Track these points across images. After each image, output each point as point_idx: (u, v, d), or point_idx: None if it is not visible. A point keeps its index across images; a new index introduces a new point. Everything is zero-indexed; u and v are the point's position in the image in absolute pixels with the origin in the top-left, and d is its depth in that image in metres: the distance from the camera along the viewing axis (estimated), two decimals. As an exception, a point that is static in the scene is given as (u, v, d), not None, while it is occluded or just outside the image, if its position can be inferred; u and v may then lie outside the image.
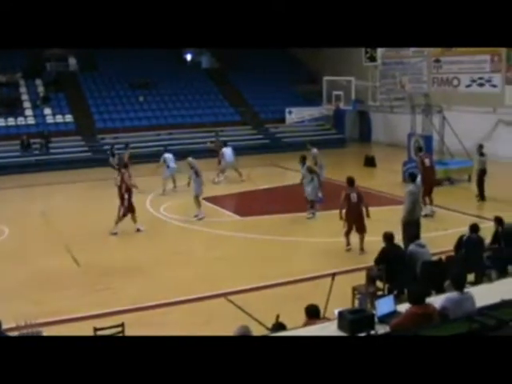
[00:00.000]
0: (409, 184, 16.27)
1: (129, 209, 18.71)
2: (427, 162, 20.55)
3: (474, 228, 12.65)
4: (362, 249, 16.06)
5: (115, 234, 18.67)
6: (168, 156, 25.26)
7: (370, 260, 12.41)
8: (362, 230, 16.14)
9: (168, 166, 24.91)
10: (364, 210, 16.18)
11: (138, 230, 18.78)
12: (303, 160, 20.52)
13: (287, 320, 9.02)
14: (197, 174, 20.08)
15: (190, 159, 20.63)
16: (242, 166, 27.68)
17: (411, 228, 14.83)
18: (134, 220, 18.83)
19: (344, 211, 16.08)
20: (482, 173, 21.75)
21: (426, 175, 19.68)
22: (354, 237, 16.31)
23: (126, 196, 18.65)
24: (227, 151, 26.80)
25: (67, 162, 32.76)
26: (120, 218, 18.77)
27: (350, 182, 16.50)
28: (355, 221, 16.11)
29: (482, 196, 21.52)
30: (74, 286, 14.27)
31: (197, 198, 20.04)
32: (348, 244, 16.29)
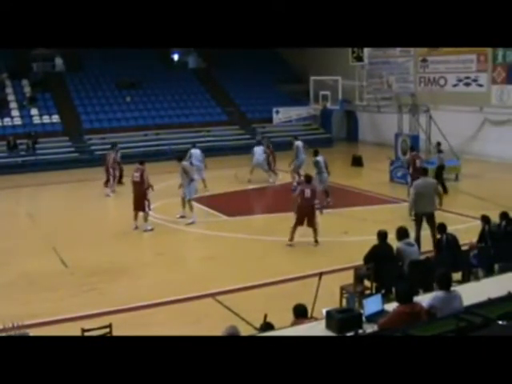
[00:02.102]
0: (420, 177, 16.51)
1: (142, 206, 18.89)
2: (418, 162, 20.78)
3: (443, 228, 12.85)
4: (316, 241, 16.71)
5: (151, 229, 18.85)
6: (194, 152, 24.39)
7: (357, 259, 12.43)
8: (312, 225, 16.72)
9: (191, 163, 22.76)
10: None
11: (136, 228, 18.95)
12: (315, 154, 21.95)
13: (275, 319, 9.02)
14: (191, 179, 19.89)
15: (184, 163, 20.36)
16: (230, 165, 27.73)
17: (421, 221, 15.44)
18: (136, 218, 18.99)
19: (297, 206, 16.70)
20: (441, 168, 22.98)
21: (415, 176, 19.79)
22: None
23: (148, 192, 18.94)
24: (257, 150, 26.69)
25: (54, 163, 32.61)
26: (146, 213, 18.92)
27: (307, 178, 17.37)
28: (306, 215, 16.62)
29: (444, 190, 21.94)
30: (61, 287, 14.21)
31: (189, 201, 19.80)
32: (291, 239, 16.68)
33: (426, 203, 15.53)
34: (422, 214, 15.40)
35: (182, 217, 19.92)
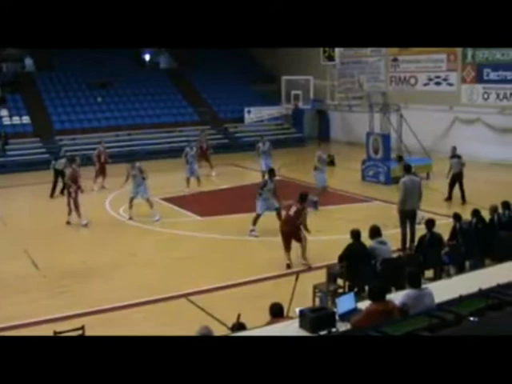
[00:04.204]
0: (404, 175, 16.29)
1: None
2: None
3: (431, 224, 12.94)
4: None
5: (85, 225, 19.51)
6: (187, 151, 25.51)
7: (330, 258, 12.47)
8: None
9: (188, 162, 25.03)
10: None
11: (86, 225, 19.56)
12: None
13: (249, 319, 9.00)
14: (144, 178, 20.20)
15: (138, 164, 20.57)
16: (202, 165, 27.62)
17: (406, 219, 15.49)
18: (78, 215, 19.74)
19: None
20: (459, 176, 21.83)
21: None
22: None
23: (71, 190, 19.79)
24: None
25: (25, 164, 32.31)
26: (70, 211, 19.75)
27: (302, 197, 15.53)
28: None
29: (450, 196, 21.76)
30: (33, 290, 14.10)
31: (148, 199, 20.18)
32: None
33: (414, 201, 15.65)
34: (409, 211, 15.50)
35: (130, 218, 20.21)
